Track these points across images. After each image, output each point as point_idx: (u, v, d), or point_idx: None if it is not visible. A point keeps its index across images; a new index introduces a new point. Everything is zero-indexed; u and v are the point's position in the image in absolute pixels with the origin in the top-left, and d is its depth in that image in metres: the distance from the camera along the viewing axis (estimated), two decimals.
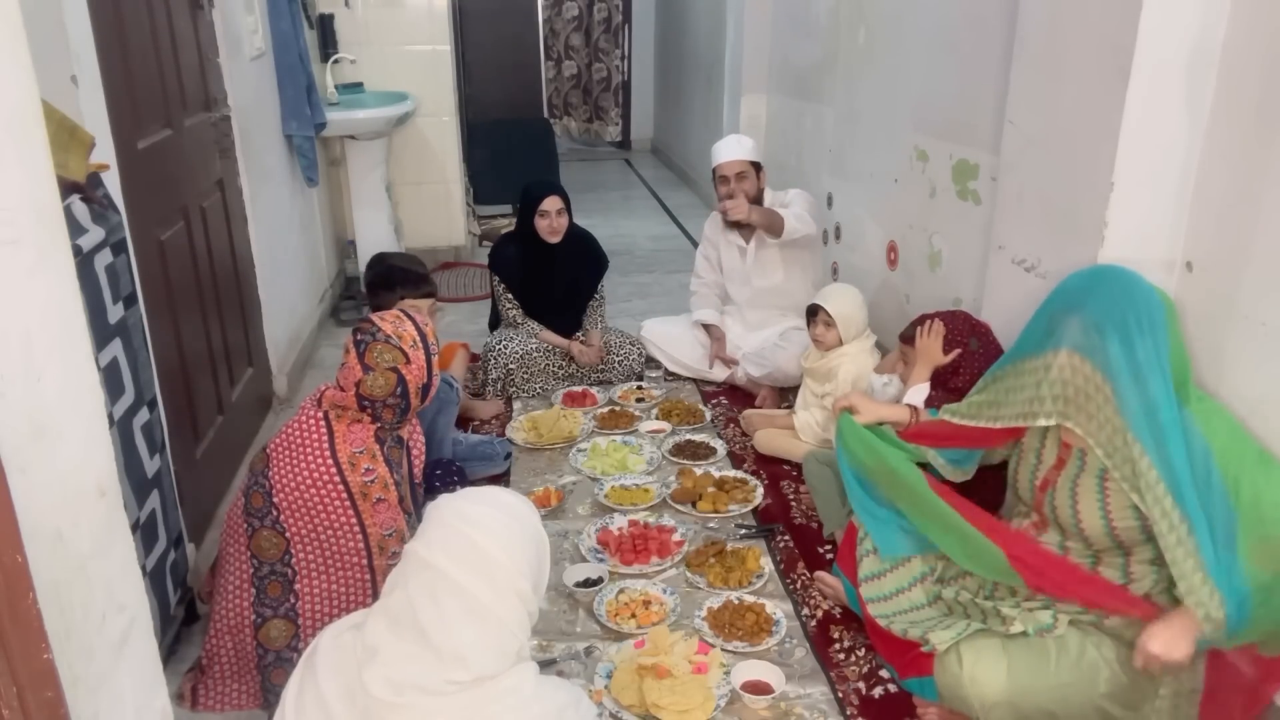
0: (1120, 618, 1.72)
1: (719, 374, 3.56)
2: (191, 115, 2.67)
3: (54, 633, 0.92)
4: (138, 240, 2.11)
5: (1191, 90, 1.79)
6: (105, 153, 2.02)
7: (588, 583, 2.30)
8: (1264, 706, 1.65)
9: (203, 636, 2.01)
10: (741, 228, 3.42)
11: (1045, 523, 1.86)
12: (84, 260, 1.73)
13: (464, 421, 3.22)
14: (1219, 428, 1.61)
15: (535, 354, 3.46)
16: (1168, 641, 1.57)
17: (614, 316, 3.99)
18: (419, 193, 5.21)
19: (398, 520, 1.97)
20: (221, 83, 2.97)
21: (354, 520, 1.91)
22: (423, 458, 2.11)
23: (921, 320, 2.35)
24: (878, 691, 1.98)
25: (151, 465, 2.00)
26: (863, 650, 2.09)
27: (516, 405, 3.40)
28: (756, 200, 3.34)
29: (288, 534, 1.91)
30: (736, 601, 2.22)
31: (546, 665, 2.04)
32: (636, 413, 3.29)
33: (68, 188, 1.72)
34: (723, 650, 2.06)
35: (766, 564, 2.40)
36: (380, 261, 2.93)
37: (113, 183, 2.03)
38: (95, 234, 1.79)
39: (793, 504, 2.74)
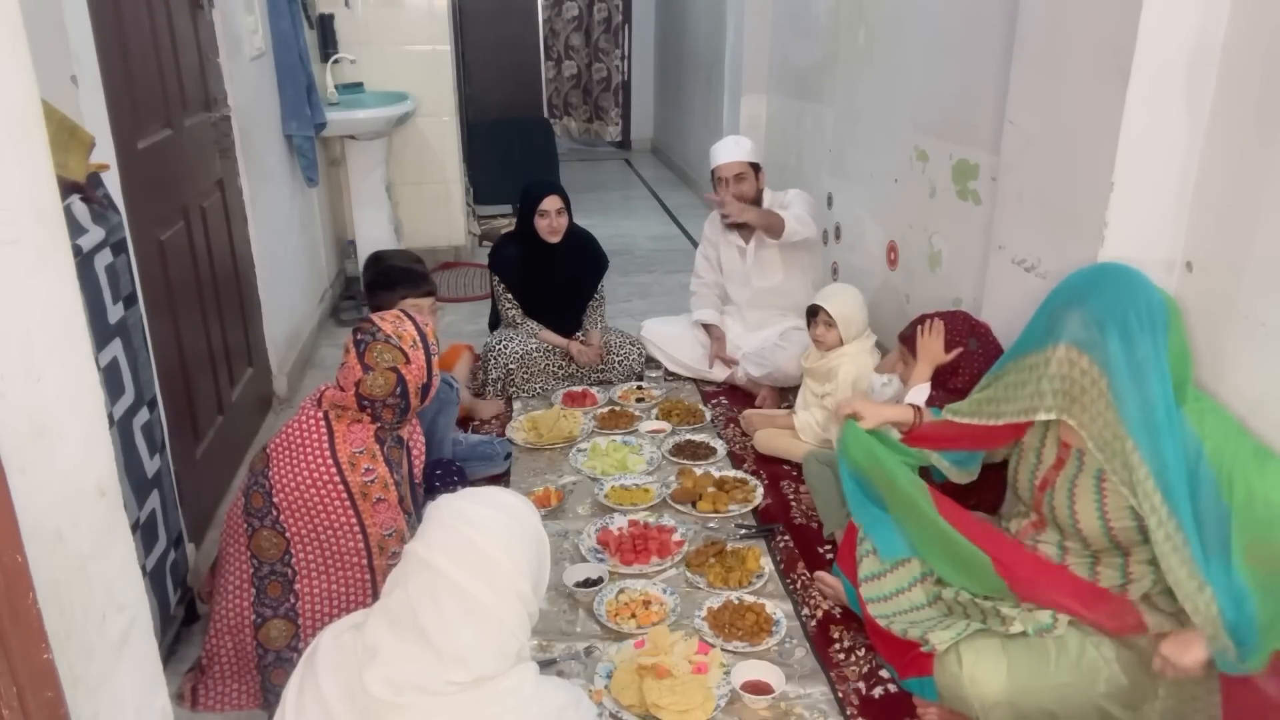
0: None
1: (719, 374, 3.56)
2: (191, 115, 2.67)
3: (54, 633, 0.92)
4: (138, 240, 2.11)
5: (1191, 90, 1.79)
6: (105, 153, 2.02)
7: (588, 583, 2.30)
8: None
9: (203, 636, 2.01)
10: (741, 228, 3.41)
11: (1044, 522, 1.86)
12: (84, 260, 1.73)
13: (464, 421, 3.22)
14: (1213, 425, 1.61)
15: (535, 354, 3.46)
16: (1179, 645, 1.57)
17: (614, 316, 3.99)
18: (419, 193, 5.21)
19: (398, 520, 1.97)
20: (221, 83, 2.97)
21: (354, 520, 1.91)
22: (423, 458, 2.11)
23: (921, 320, 2.35)
24: (878, 691, 1.98)
25: (151, 465, 2.00)
26: (863, 650, 2.09)
27: (516, 405, 3.40)
28: (755, 201, 3.34)
29: (288, 534, 1.91)
30: (736, 601, 2.22)
31: (546, 665, 2.04)
32: (636, 413, 3.29)
33: (68, 188, 1.72)
34: (723, 650, 2.06)
35: (766, 564, 2.40)
36: (378, 261, 2.93)
37: (113, 183, 2.03)
38: (95, 234, 1.79)
39: (793, 504, 2.74)
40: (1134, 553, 1.73)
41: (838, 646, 2.12)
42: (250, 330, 3.12)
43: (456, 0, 5.43)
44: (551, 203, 3.37)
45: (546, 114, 8.69)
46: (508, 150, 6.32)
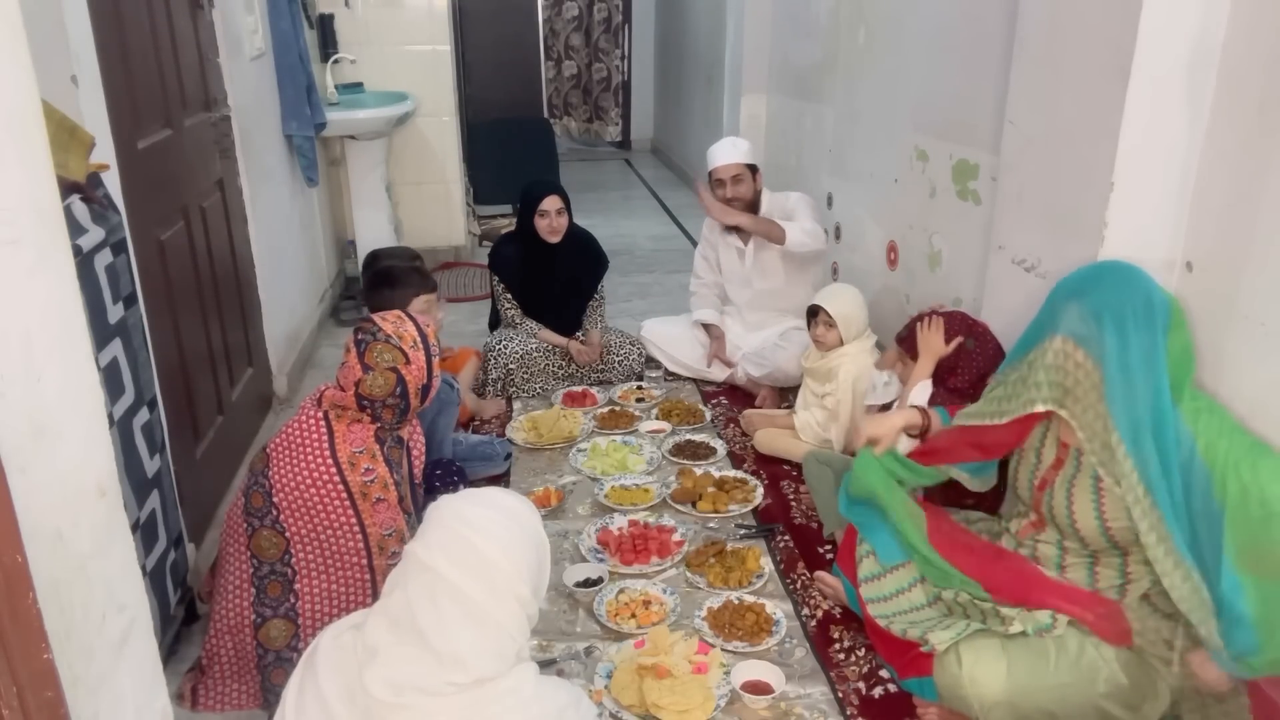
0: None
1: (719, 374, 3.56)
2: (191, 115, 2.67)
3: (54, 633, 0.92)
4: (138, 240, 2.11)
5: (1191, 90, 1.79)
6: (105, 153, 2.02)
7: (588, 583, 2.30)
8: None
9: (203, 636, 2.01)
10: (740, 231, 3.41)
11: (1043, 522, 1.86)
12: (84, 260, 1.73)
13: (465, 422, 3.22)
14: (1207, 423, 1.60)
15: (535, 354, 3.46)
16: (1205, 658, 1.56)
17: (614, 316, 3.99)
18: (419, 193, 5.21)
19: (397, 520, 1.97)
20: (221, 83, 2.97)
21: (354, 520, 1.91)
22: (423, 458, 2.11)
23: (919, 318, 2.35)
24: (878, 691, 1.98)
25: (151, 465, 2.00)
26: (863, 650, 2.09)
27: (516, 405, 3.40)
28: (754, 203, 3.34)
29: (288, 534, 1.91)
30: (736, 601, 2.22)
31: (546, 665, 2.04)
32: (636, 413, 3.29)
33: (68, 188, 1.72)
34: (723, 650, 2.06)
35: (766, 564, 2.40)
36: (376, 260, 2.92)
37: (113, 183, 2.03)
38: (95, 234, 1.79)
39: (793, 504, 2.74)
40: (1133, 552, 1.73)
41: (838, 646, 2.12)
42: (250, 330, 3.12)
43: (456, 0, 5.43)
44: (551, 203, 3.37)
45: (546, 114, 8.69)
46: (508, 150, 6.32)
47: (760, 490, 2.75)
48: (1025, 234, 2.23)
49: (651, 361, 3.66)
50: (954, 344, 2.26)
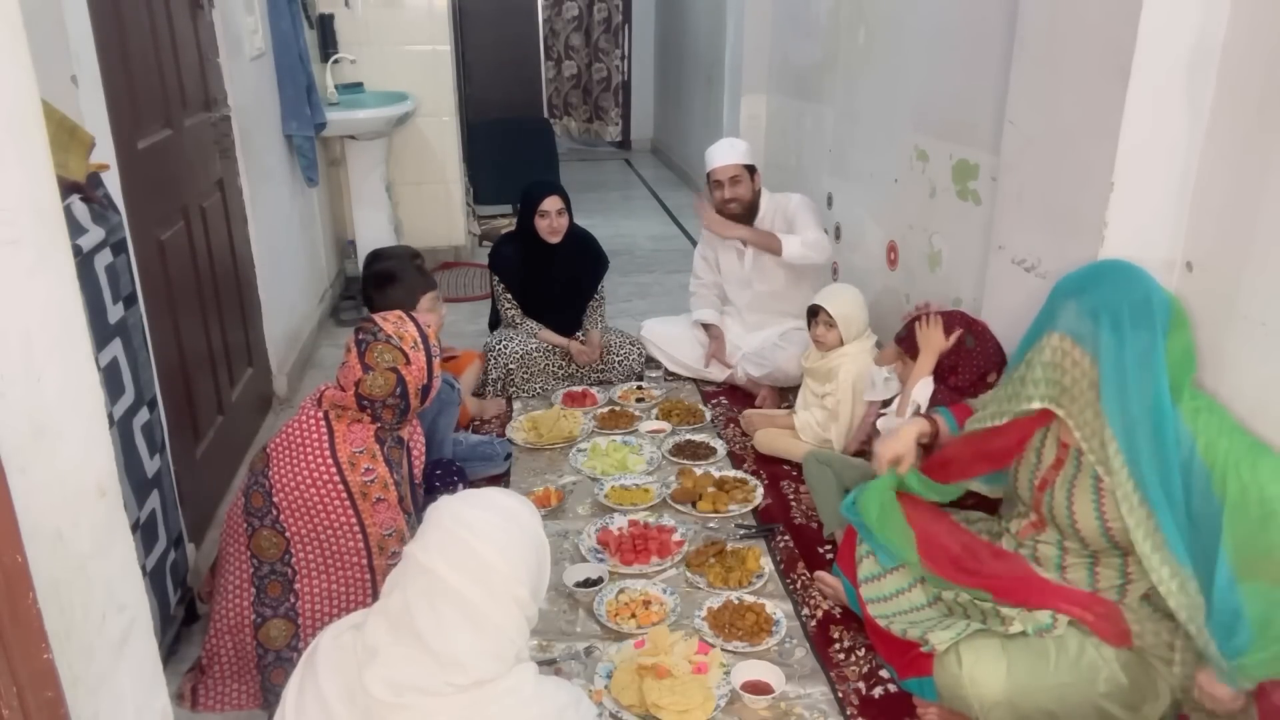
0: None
1: (719, 374, 3.56)
2: (191, 115, 2.67)
3: (54, 633, 0.92)
4: (138, 240, 2.11)
5: (1191, 90, 1.79)
6: (105, 153, 2.02)
7: (588, 583, 2.30)
8: None
9: (203, 636, 2.01)
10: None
11: (1043, 522, 1.86)
12: (84, 260, 1.73)
13: (464, 423, 3.22)
14: (1207, 422, 1.60)
15: (535, 354, 3.46)
16: (1212, 676, 1.56)
17: (614, 316, 3.99)
18: (419, 193, 5.21)
19: (397, 520, 1.97)
20: (221, 83, 2.97)
21: (354, 520, 1.91)
22: (423, 458, 2.11)
23: (915, 318, 2.35)
24: (878, 691, 1.98)
25: (151, 465, 2.00)
26: (863, 650, 2.09)
27: (516, 405, 3.40)
28: (752, 203, 3.33)
29: (288, 534, 1.91)
30: (736, 601, 2.22)
31: (546, 665, 2.04)
32: (636, 413, 3.29)
33: (68, 188, 1.72)
34: (723, 650, 2.06)
35: (766, 564, 2.40)
36: (378, 259, 2.91)
37: (113, 183, 2.03)
38: (95, 234, 1.79)
39: (793, 504, 2.74)
40: (1133, 553, 1.72)
41: (838, 646, 2.12)
42: (250, 330, 3.12)
43: (456, 0, 5.43)
44: (552, 203, 3.37)
45: (546, 114, 8.69)
46: (508, 150, 6.32)
47: (760, 490, 2.75)
48: (1025, 234, 2.23)
49: (651, 361, 3.66)
50: (954, 337, 2.26)
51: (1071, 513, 1.76)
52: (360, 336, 1.95)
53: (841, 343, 2.87)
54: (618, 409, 3.32)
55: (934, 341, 2.28)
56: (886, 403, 2.59)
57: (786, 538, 2.56)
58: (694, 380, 3.60)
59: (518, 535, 1.27)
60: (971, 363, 2.25)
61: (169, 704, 1.23)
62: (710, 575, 2.34)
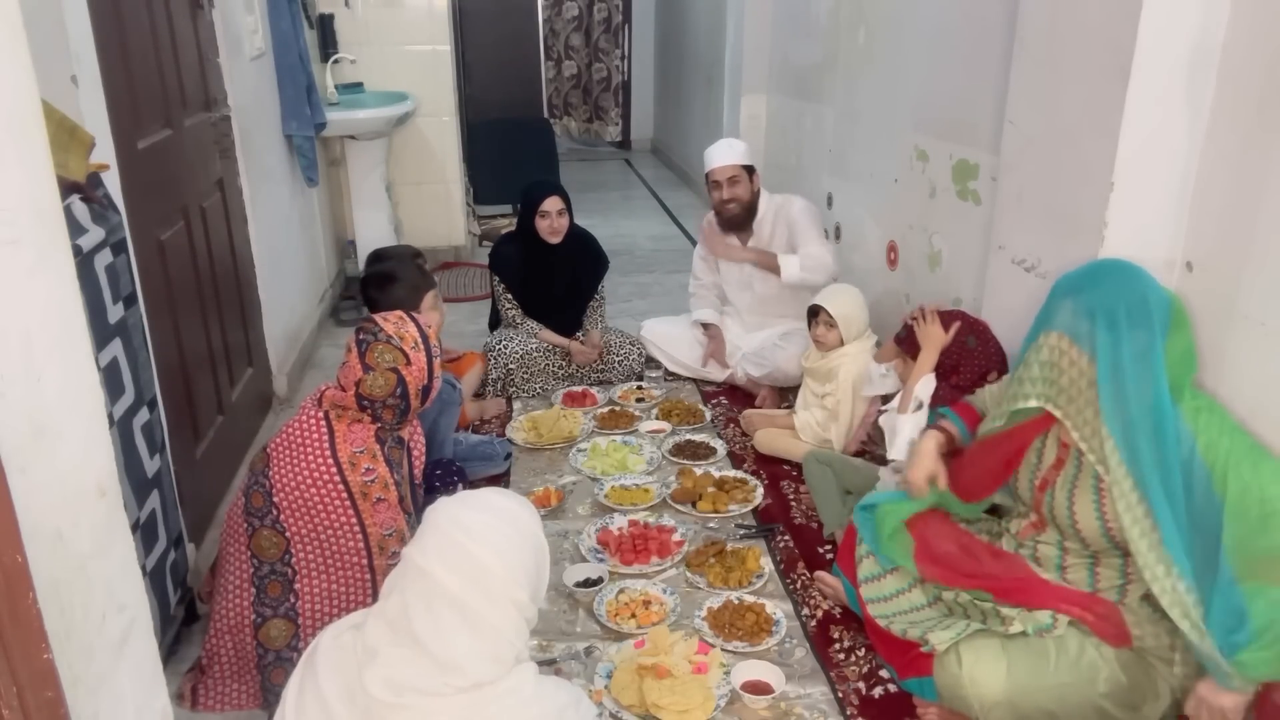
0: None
1: (718, 374, 3.56)
2: (191, 115, 2.67)
3: (54, 633, 0.92)
4: (138, 240, 2.11)
5: (1191, 90, 1.79)
6: (105, 153, 2.02)
7: (588, 583, 2.30)
8: None
9: (203, 636, 2.01)
10: (737, 231, 3.41)
11: (1044, 523, 1.86)
12: (84, 260, 1.73)
13: (465, 425, 3.22)
14: (1207, 422, 1.60)
15: (535, 354, 3.46)
16: (1214, 686, 1.55)
17: (614, 316, 3.99)
18: (419, 193, 5.21)
19: (398, 520, 1.97)
20: (221, 83, 2.97)
21: (354, 520, 1.91)
22: (423, 458, 2.11)
23: (913, 317, 2.35)
24: (878, 691, 1.98)
25: (151, 465, 2.00)
26: (863, 650, 2.09)
27: (516, 405, 3.40)
28: (751, 203, 3.33)
29: (288, 534, 1.91)
30: (736, 601, 2.22)
31: (546, 665, 2.04)
32: (636, 413, 3.29)
33: (68, 188, 1.72)
34: (723, 650, 2.06)
35: (766, 564, 2.40)
36: (380, 259, 2.92)
37: (113, 183, 2.03)
38: (95, 234, 1.79)
39: (793, 504, 2.74)
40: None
41: (838, 646, 2.12)
42: (250, 330, 3.12)
43: (456, 0, 5.43)
44: (552, 203, 3.37)
45: (546, 114, 8.69)
46: (508, 150, 6.32)
47: (760, 490, 2.75)
48: (1025, 234, 2.23)
49: (651, 361, 3.66)
50: (954, 330, 2.26)
51: (1072, 513, 1.76)
52: (361, 336, 1.95)
53: (842, 343, 2.87)
54: (618, 409, 3.32)
55: (934, 337, 2.29)
56: (887, 399, 2.59)
57: (786, 538, 2.56)
58: (694, 380, 3.60)
59: (515, 537, 1.27)
60: (973, 361, 2.25)
61: (169, 704, 1.23)
62: (710, 575, 2.34)
